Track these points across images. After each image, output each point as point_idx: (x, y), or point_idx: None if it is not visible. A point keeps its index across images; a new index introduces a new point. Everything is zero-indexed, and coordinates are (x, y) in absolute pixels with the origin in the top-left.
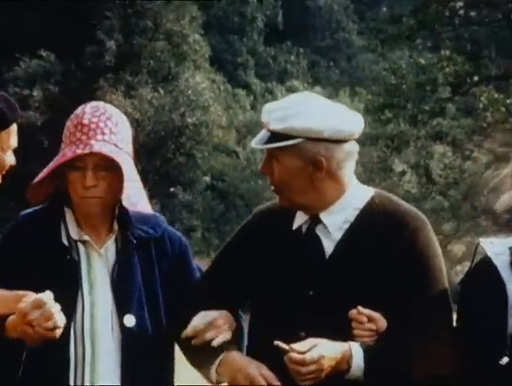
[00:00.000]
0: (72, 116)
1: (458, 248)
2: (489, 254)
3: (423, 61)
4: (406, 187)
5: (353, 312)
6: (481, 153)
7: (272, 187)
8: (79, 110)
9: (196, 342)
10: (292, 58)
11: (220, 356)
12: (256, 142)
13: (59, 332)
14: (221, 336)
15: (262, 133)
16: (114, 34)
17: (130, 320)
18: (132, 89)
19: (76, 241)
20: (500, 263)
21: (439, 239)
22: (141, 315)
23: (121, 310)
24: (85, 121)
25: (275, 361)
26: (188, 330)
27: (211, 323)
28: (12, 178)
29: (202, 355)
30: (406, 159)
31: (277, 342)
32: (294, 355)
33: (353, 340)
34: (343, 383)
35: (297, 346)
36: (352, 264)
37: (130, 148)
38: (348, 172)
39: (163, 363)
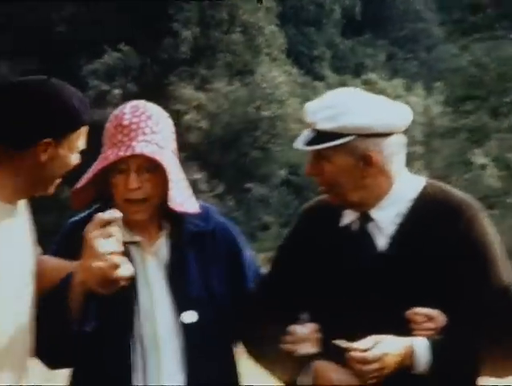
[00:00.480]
0: (112, 117)
1: None
2: None
3: (505, 52)
4: (487, 181)
5: (409, 313)
6: None
7: (321, 188)
8: (118, 111)
9: (288, 348)
10: (370, 50)
11: (312, 366)
12: (302, 144)
13: (123, 275)
14: (312, 349)
15: (305, 134)
16: (191, 26)
17: (188, 317)
18: (207, 82)
19: (127, 243)
20: None
21: None
22: (199, 311)
23: (179, 308)
24: (125, 122)
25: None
26: (288, 338)
27: (307, 334)
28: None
29: (276, 358)
30: (487, 152)
31: (337, 341)
32: (356, 353)
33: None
34: (407, 379)
35: (359, 344)
36: (407, 259)
37: (173, 146)
38: (397, 165)
39: (226, 359)
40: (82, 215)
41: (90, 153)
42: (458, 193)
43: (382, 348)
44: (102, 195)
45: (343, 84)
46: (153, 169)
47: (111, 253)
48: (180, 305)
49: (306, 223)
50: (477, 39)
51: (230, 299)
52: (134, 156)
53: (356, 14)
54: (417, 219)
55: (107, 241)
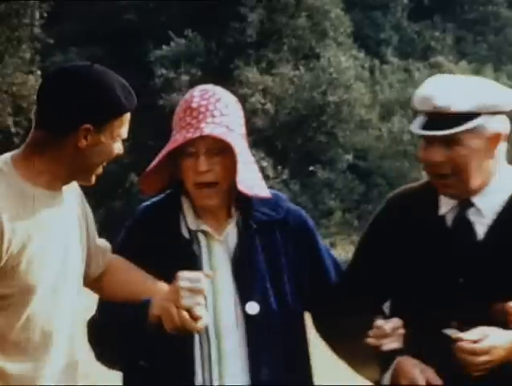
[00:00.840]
0: (182, 101)
1: None
2: None
3: None
4: None
5: (510, 306)
6: None
7: (435, 175)
8: (187, 95)
9: (373, 342)
10: (437, 33)
11: (395, 361)
12: (422, 129)
13: (197, 327)
14: (395, 344)
15: (420, 120)
16: (257, 10)
17: (252, 308)
18: (273, 67)
19: (195, 231)
20: None
21: None
22: (265, 302)
23: (243, 298)
24: (194, 105)
25: (428, 352)
26: (375, 333)
27: (393, 329)
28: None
29: (360, 353)
30: None
31: (447, 331)
32: (465, 344)
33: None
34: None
35: (468, 335)
36: (506, 249)
37: (242, 130)
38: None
39: (294, 352)
40: (154, 200)
41: (160, 138)
42: None
43: (491, 341)
44: (173, 180)
45: (408, 68)
46: (222, 151)
47: (194, 305)
48: (245, 296)
49: (396, 212)
50: None
51: (303, 290)
52: (203, 138)
53: None
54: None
55: (194, 295)
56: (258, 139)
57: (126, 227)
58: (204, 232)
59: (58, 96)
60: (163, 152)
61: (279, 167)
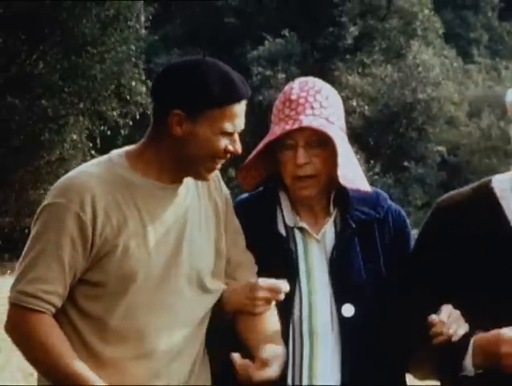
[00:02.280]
0: (281, 94)
1: None
2: None
3: None
4: None
5: None
6: None
7: None
8: (287, 87)
9: (441, 339)
10: None
11: (470, 343)
12: None
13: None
14: (462, 328)
15: None
16: (355, 17)
17: (348, 310)
18: (367, 68)
19: (292, 228)
20: None
21: None
22: (361, 304)
23: (339, 300)
24: (293, 97)
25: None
26: (434, 329)
27: (449, 316)
28: None
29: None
30: None
31: None
32: None
33: None
34: None
35: None
36: None
37: (342, 123)
38: None
39: (392, 358)
40: (252, 193)
41: (256, 135)
42: None
43: None
44: (273, 173)
45: (497, 67)
46: (322, 144)
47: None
48: (341, 298)
49: (454, 218)
50: None
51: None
52: (302, 130)
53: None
54: None
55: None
56: (351, 135)
57: None
58: (301, 230)
59: (157, 84)
60: (262, 144)
61: (372, 162)
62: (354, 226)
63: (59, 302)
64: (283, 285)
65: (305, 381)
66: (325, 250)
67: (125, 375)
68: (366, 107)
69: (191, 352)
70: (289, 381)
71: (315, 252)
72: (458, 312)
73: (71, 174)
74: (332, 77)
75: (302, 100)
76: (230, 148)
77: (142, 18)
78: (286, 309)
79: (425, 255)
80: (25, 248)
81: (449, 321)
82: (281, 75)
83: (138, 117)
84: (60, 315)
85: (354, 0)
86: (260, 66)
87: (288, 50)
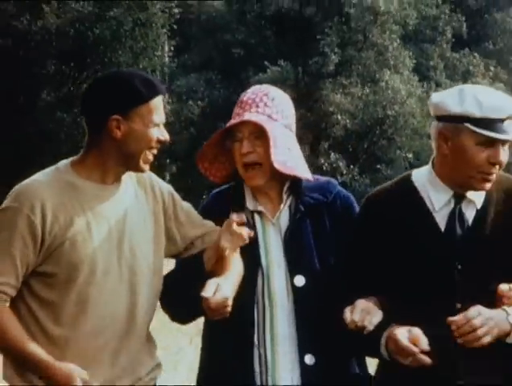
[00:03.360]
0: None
1: None
2: None
3: None
4: None
5: (503, 290)
6: None
7: (493, 173)
8: (243, 94)
9: (355, 324)
10: (475, 60)
11: (384, 335)
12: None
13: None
14: (375, 319)
15: (508, 126)
16: (334, 47)
17: (300, 280)
18: (346, 89)
19: (252, 212)
20: None
21: None
22: (311, 276)
23: (292, 272)
24: (244, 98)
25: (431, 336)
26: (350, 322)
27: (363, 310)
28: None
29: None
30: None
31: (451, 319)
32: (458, 318)
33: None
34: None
35: (464, 315)
36: (498, 230)
37: (289, 121)
38: None
39: (338, 322)
40: (223, 187)
41: None
42: None
43: (485, 314)
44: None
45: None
46: (264, 136)
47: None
48: (293, 270)
49: (382, 210)
50: None
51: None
52: (246, 124)
53: (463, 33)
54: (494, 201)
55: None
56: (334, 144)
57: (203, 206)
58: (260, 214)
59: (89, 98)
60: (213, 136)
61: (351, 166)
62: (303, 210)
63: (11, 292)
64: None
65: (268, 340)
66: (280, 231)
67: (74, 351)
68: (347, 120)
69: (144, 320)
70: (255, 340)
71: (271, 232)
72: (371, 304)
73: (24, 182)
74: (320, 96)
75: (250, 101)
76: (161, 137)
77: (166, 49)
78: (250, 279)
79: (359, 243)
80: None
81: (362, 314)
82: None
83: None
84: (19, 302)
85: (335, 35)
86: None
87: (284, 75)
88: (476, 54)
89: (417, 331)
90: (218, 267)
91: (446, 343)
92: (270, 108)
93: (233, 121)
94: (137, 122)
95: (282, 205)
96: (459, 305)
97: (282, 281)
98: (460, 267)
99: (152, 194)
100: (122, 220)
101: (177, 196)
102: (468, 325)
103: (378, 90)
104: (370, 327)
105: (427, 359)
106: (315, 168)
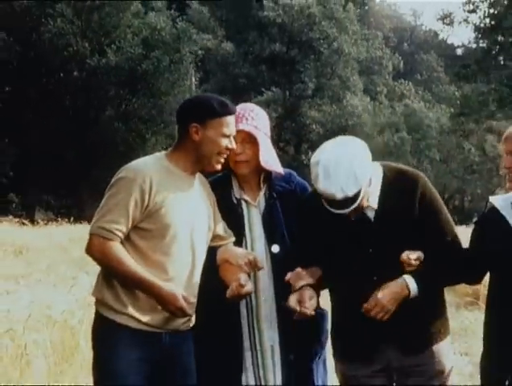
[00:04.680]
0: None
1: None
2: (496, 206)
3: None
4: None
5: (403, 257)
6: None
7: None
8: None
9: (292, 282)
10: (408, 87)
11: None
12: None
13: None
14: (303, 281)
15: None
16: (312, 78)
17: (275, 248)
18: (320, 107)
19: (239, 199)
20: (505, 212)
21: None
22: (283, 245)
23: (269, 242)
24: (236, 113)
25: (356, 300)
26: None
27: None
28: None
29: None
30: None
31: (364, 307)
32: (367, 305)
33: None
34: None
35: (370, 302)
36: (390, 217)
37: (267, 130)
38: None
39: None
40: (215, 177)
41: None
42: (403, 166)
43: (376, 301)
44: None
45: (393, 106)
46: (251, 141)
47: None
48: (270, 240)
49: (317, 209)
50: None
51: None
52: (239, 132)
53: (400, 68)
54: (389, 192)
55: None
56: (311, 145)
57: None
58: (245, 200)
59: (180, 111)
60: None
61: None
62: (275, 196)
63: (122, 237)
64: (259, 263)
65: (253, 297)
66: (260, 212)
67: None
68: (320, 129)
69: (197, 279)
70: (241, 302)
71: (253, 213)
72: (309, 292)
73: (134, 161)
74: (301, 112)
75: (240, 115)
76: (229, 146)
77: (193, 80)
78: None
79: (301, 226)
80: (103, 201)
81: (308, 304)
82: (272, 113)
83: None
84: (126, 244)
85: (312, 68)
86: (264, 107)
87: (275, 97)
88: (409, 82)
89: (305, 294)
90: (226, 267)
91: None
92: (256, 120)
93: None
94: (211, 131)
95: (260, 192)
96: (375, 278)
97: (262, 249)
98: (371, 250)
99: (207, 192)
100: (194, 202)
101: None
102: (374, 311)
103: (342, 107)
104: (311, 312)
105: (306, 314)
106: (298, 162)
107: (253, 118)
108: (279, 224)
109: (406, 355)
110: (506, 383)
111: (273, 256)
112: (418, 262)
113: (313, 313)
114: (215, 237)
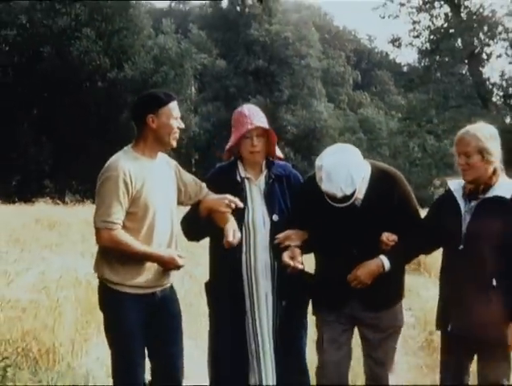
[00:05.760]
0: (236, 114)
1: None
2: (451, 188)
3: None
4: None
5: (382, 238)
6: None
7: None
8: (239, 110)
9: (283, 241)
10: (365, 96)
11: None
12: (337, 203)
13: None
14: (291, 241)
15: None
16: (288, 87)
17: (275, 217)
18: (293, 112)
19: (243, 178)
20: (457, 194)
21: None
22: (281, 215)
23: (270, 212)
24: (246, 113)
25: (339, 271)
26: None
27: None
28: None
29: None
30: None
31: (348, 277)
32: (350, 277)
33: (383, 249)
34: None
35: (348, 277)
36: (373, 205)
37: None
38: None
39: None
40: (223, 164)
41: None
42: (382, 164)
43: (357, 274)
44: (235, 152)
45: (347, 113)
46: (263, 135)
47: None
48: (271, 212)
49: (310, 189)
50: None
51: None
52: (255, 128)
53: (358, 81)
54: (373, 182)
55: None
56: (287, 143)
57: (211, 172)
58: (248, 179)
59: (135, 108)
60: (237, 137)
61: (296, 155)
62: (274, 177)
63: (121, 223)
64: (236, 201)
65: (252, 252)
66: (260, 189)
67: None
68: (294, 130)
69: (175, 236)
70: (243, 251)
71: (255, 190)
72: (299, 251)
73: (111, 160)
74: (279, 116)
75: (252, 114)
76: (179, 126)
77: (193, 89)
78: (241, 219)
79: (298, 203)
80: (98, 199)
81: (300, 259)
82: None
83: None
84: None
85: (287, 80)
86: None
87: (258, 104)
88: (366, 93)
89: (296, 252)
90: (216, 216)
91: (344, 273)
92: (263, 118)
93: (249, 126)
94: (163, 117)
95: (262, 174)
96: (355, 251)
97: (261, 218)
98: (354, 229)
99: (169, 165)
100: (163, 180)
101: (180, 168)
102: (353, 283)
103: (311, 113)
104: (300, 266)
105: (298, 268)
106: None
107: (260, 116)
108: (277, 199)
109: (367, 310)
110: (449, 328)
111: (273, 223)
112: (393, 243)
113: (302, 267)
114: (192, 194)
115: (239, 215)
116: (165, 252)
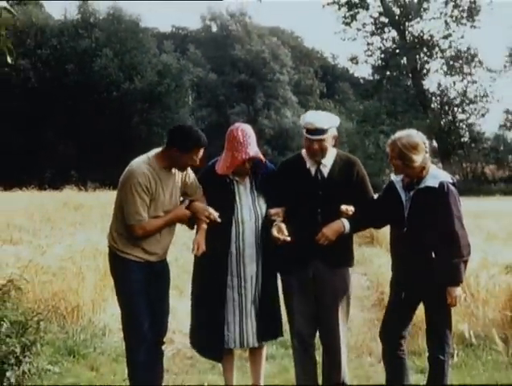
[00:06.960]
0: (231, 135)
1: None
2: (393, 180)
3: None
4: None
5: (342, 209)
6: None
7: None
8: (234, 132)
9: (273, 215)
10: (330, 104)
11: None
12: (312, 135)
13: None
14: (279, 219)
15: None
16: (263, 97)
17: (259, 210)
18: (270, 118)
19: (232, 180)
20: (397, 185)
21: None
22: (264, 207)
23: (255, 207)
24: (240, 140)
25: (304, 234)
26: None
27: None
28: None
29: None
30: None
31: (316, 238)
32: (318, 237)
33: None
34: (341, 238)
35: (317, 237)
36: (337, 179)
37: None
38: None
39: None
40: (212, 160)
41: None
42: (348, 153)
43: (324, 233)
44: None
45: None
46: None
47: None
48: (255, 206)
49: (286, 167)
50: None
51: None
52: (249, 158)
53: (324, 92)
54: (337, 163)
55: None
56: (266, 142)
57: (204, 171)
58: (236, 180)
59: (171, 135)
60: (233, 164)
61: (273, 151)
62: (257, 177)
63: (147, 218)
64: (215, 216)
65: (240, 234)
66: (246, 188)
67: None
68: (271, 131)
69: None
70: (233, 234)
71: (242, 189)
72: (284, 225)
73: (133, 165)
74: (258, 120)
75: (244, 142)
76: (194, 163)
77: (190, 98)
78: (231, 214)
79: (275, 183)
80: (127, 201)
81: (286, 232)
82: (239, 120)
83: None
84: None
85: (264, 91)
86: (236, 116)
87: (242, 110)
88: (330, 101)
89: (282, 226)
90: (196, 220)
91: (311, 236)
92: (253, 142)
93: (244, 157)
94: (185, 157)
95: (247, 176)
96: (319, 210)
97: (248, 211)
98: (320, 193)
99: (178, 174)
100: (173, 186)
101: (189, 170)
102: (321, 240)
103: (283, 118)
104: (288, 239)
105: (287, 240)
106: None
107: (252, 139)
108: (260, 195)
109: (327, 267)
110: (402, 295)
111: (257, 216)
112: (351, 213)
113: (290, 238)
114: (188, 192)
115: (230, 210)
116: (177, 209)
